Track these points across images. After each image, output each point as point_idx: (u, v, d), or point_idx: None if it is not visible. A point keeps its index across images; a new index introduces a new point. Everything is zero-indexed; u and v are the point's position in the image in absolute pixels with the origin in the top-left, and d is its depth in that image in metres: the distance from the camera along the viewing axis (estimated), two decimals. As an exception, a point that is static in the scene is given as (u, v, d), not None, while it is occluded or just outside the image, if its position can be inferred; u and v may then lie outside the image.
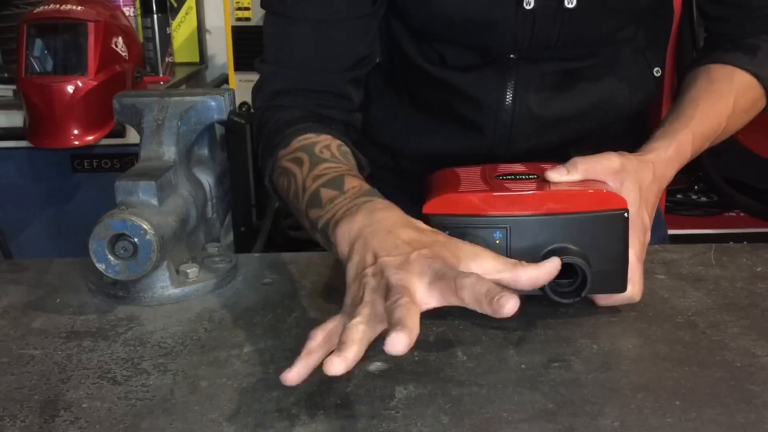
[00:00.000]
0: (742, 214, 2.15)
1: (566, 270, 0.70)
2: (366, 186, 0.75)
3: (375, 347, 0.71)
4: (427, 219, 0.72)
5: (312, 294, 0.83)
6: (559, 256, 0.69)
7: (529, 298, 0.78)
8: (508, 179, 0.77)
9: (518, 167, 0.81)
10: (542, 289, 0.70)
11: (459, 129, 1.00)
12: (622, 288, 0.74)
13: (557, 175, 0.74)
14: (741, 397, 0.62)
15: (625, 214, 0.72)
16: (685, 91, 0.94)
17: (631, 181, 0.77)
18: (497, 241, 0.71)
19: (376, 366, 0.67)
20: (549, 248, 0.71)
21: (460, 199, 0.73)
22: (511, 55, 0.94)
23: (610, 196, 0.73)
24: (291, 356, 0.69)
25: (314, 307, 0.79)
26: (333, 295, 0.82)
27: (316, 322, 0.75)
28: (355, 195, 0.72)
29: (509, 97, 0.96)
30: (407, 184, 0.94)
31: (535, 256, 0.71)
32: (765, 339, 0.72)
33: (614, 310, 0.77)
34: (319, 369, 0.67)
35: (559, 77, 0.97)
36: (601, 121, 1.01)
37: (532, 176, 0.77)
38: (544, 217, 0.71)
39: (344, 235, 0.68)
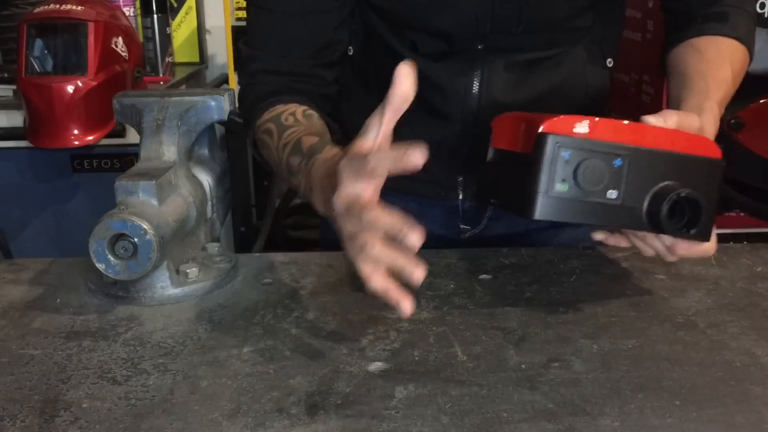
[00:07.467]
0: (742, 214, 2.14)
1: (674, 208, 0.70)
2: (315, 143, 0.85)
3: (375, 347, 0.71)
4: (544, 138, 0.68)
5: (312, 294, 0.83)
6: (672, 191, 0.70)
7: (529, 298, 0.79)
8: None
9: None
10: (658, 226, 0.70)
11: (428, 119, 1.03)
12: (708, 236, 0.74)
13: (654, 120, 0.75)
14: (741, 397, 0.62)
15: (724, 163, 0.74)
16: (684, 68, 0.96)
17: None
18: (615, 169, 0.70)
19: (376, 366, 0.67)
20: (661, 184, 0.71)
21: (584, 122, 0.70)
22: (479, 46, 0.98)
23: (713, 145, 0.74)
24: (291, 356, 0.70)
25: (314, 307, 0.79)
26: (333, 295, 0.82)
27: (316, 322, 0.76)
28: (307, 157, 0.83)
29: (476, 85, 1.00)
30: None
31: (645, 191, 0.71)
32: (765, 339, 0.72)
33: (614, 310, 0.77)
34: (318, 370, 0.67)
35: (522, 67, 1.01)
36: (558, 109, 1.04)
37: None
38: (664, 152, 0.71)
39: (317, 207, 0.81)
